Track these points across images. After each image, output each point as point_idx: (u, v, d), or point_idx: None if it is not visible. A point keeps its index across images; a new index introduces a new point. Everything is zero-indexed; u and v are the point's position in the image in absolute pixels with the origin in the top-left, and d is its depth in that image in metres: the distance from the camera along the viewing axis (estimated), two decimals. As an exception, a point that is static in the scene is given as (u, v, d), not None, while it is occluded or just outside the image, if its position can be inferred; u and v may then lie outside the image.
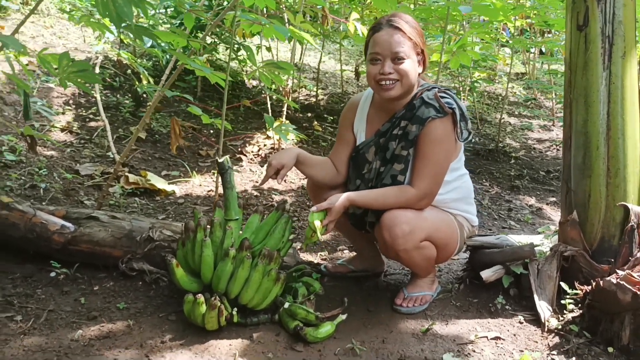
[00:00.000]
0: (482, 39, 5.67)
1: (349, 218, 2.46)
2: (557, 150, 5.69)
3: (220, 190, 3.59)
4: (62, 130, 4.01)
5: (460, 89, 6.83)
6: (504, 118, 6.52)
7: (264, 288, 2.17)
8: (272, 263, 2.17)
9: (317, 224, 2.18)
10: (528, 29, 7.64)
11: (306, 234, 2.23)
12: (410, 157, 2.26)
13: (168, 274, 2.30)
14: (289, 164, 2.35)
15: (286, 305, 2.20)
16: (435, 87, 2.28)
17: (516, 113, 6.97)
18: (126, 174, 3.54)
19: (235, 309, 2.17)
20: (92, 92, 4.04)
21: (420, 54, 2.26)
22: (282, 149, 2.67)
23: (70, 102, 4.41)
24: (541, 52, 8.39)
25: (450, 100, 2.23)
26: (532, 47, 7.71)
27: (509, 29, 7.31)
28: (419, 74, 2.30)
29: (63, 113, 4.22)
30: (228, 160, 2.31)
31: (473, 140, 2.16)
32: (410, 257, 2.27)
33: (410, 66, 2.21)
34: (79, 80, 2.20)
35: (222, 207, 2.34)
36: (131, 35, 4.17)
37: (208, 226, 2.25)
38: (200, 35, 4.67)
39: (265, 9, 4.38)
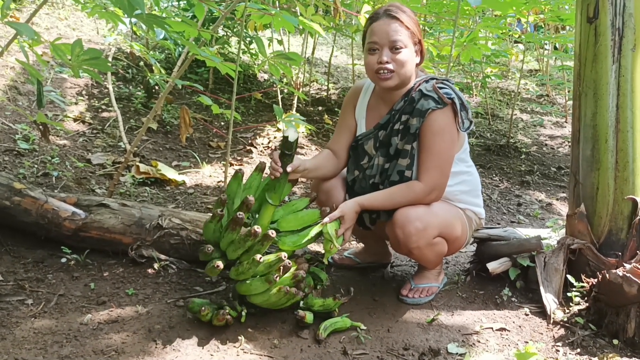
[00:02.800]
0: (494, 34, 5.64)
1: None
2: (569, 146, 5.65)
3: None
4: (75, 120, 4.05)
5: (472, 84, 6.81)
6: (516, 114, 6.50)
7: (282, 302, 2.16)
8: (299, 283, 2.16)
9: (332, 233, 2.14)
10: (542, 25, 7.59)
11: (324, 247, 2.17)
12: (415, 151, 2.25)
13: (200, 257, 2.19)
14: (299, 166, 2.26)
15: (301, 303, 2.22)
16: (433, 78, 2.28)
17: (528, 109, 6.93)
18: (137, 163, 3.58)
19: (245, 310, 2.15)
20: (105, 82, 4.08)
21: (418, 43, 2.25)
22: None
23: (83, 92, 4.46)
24: (555, 48, 8.33)
25: (449, 90, 2.22)
26: (545, 43, 7.67)
27: (523, 24, 7.28)
28: (417, 65, 2.29)
29: (76, 103, 4.27)
30: (298, 141, 2.15)
31: (474, 128, 2.14)
32: (422, 253, 2.28)
33: (408, 56, 2.20)
34: (91, 68, 2.22)
35: (262, 170, 2.27)
36: (143, 27, 4.21)
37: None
38: (211, 28, 4.70)
39: (277, 2, 4.39)
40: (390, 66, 2.19)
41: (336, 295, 2.20)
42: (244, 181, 2.31)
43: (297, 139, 2.11)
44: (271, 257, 2.06)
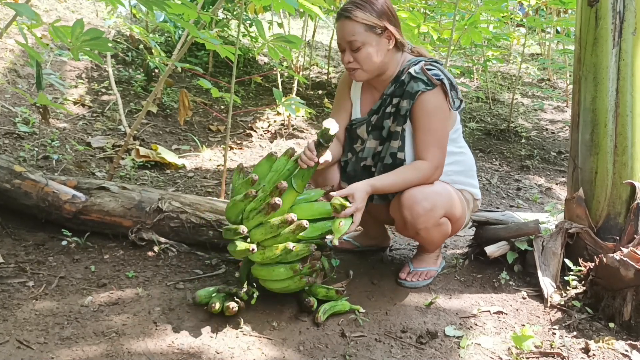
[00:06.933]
0: (495, 17, 5.61)
1: None
2: (570, 131, 5.64)
3: (233, 165, 3.62)
4: (75, 103, 4.05)
5: (473, 68, 6.78)
6: (517, 98, 6.48)
7: (292, 289, 2.17)
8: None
9: (343, 203, 2.06)
10: (544, 9, 7.54)
11: (333, 226, 2.07)
12: (405, 133, 2.26)
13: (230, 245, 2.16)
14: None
15: (306, 287, 2.22)
16: (421, 60, 2.28)
17: (529, 94, 6.91)
18: (137, 147, 3.58)
19: (257, 293, 2.14)
20: (105, 65, 4.07)
21: (384, 30, 2.20)
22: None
23: (83, 75, 4.45)
24: (557, 32, 8.29)
25: (437, 71, 2.22)
26: (547, 27, 7.62)
27: (525, 8, 7.23)
28: (397, 47, 2.27)
29: (76, 86, 4.26)
30: (334, 135, 2.10)
31: (464, 106, 2.14)
32: (429, 234, 2.29)
33: (369, 51, 2.19)
34: (92, 50, 2.21)
35: (291, 156, 2.18)
36: (143, 9, 4.19)
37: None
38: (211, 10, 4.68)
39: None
40: (353, 64, 2.22)
41: (338, 290, 2.21)
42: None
43: (333, 131, 2.07)
44: (301, 247, 2.08)
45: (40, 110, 2.66)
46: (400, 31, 2.29)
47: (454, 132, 2.35)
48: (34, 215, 2.52)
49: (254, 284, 2.19)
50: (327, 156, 2.18)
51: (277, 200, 2.02)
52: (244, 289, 2.11)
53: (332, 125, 2.06)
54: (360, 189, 2.12)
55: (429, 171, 2.23)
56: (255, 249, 2.06)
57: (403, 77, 2.25)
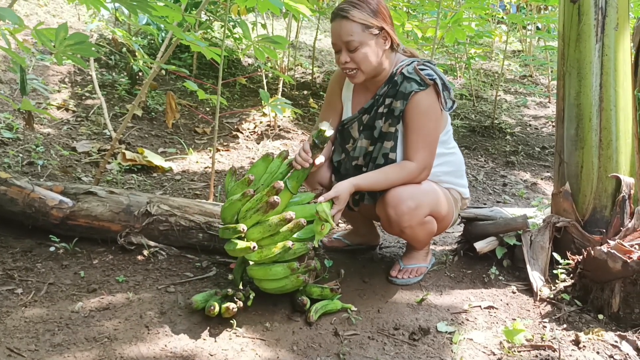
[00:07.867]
0: (478, 15, 5.65)
1: None
2: (553, 126, 5.71)
3: (220, 167, 3.61)
4: (59, 108, 4.01)
5: (457, 66, 6.83)
6: (499, 95, 6.53)
7: (288, 288, 2.18)
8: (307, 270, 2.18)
9: (328, 212, 2.08)
10: (525, 6, 7.61)
11: (314, 228, 2.11)
12: (398, 134, 2.27)
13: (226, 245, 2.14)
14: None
15: (301, 286, 2.22)
16: (414, 61, 2.28)
17: (512, 90, 6.97)
18: (123, 150, 3.56)
19: (253, 294, 2.15)
20: (88, 68, 4.04)
21: (381, 30, 2.19)
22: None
23: (66, 80, 4.41)
24: (538, 29, 8.36)
25: (430, 71, 2.22)
26: (528, 24, 7.69)
27: (505, 5, 7.29)
28: (392, 48, 2.27)
29: (59, 91, 4.22)
30: (329, 136, 2.16)
31: (457, 108, 2.15)
32: (414, 232, 2.30)
33: (366, 51, 2.18)
34: (76, 54, 2.19)
35: (285, 158, 2.23)
36: (125, 12, 4.16)
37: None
38: (195, 12, 4.66)
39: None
40: (350, 65, 2.20)
41: (333, 288, 2.22)
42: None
43: (329, 134, 2.13)
44: (299, 245, 2.11)
45: (24, 115, 2.63)
46: (395, 31, 2.28)
47: (445, 133, 2.36)
48: (21, 221, 2.50)
49: (248, 286, 2.19)
50: (322, 158, 2.21)
51: (276, 198, 2.04)
52: (241, 290, 2.12)
53: (328, 127, 2.11)
54: (345, 190, 2.16)
55: (415, 172, 2.24)
56: (256, 247, 2.06)
57: (396, 78, 2.25)
